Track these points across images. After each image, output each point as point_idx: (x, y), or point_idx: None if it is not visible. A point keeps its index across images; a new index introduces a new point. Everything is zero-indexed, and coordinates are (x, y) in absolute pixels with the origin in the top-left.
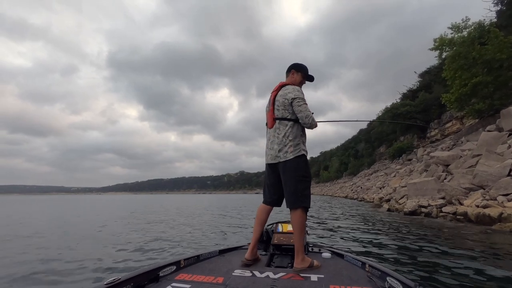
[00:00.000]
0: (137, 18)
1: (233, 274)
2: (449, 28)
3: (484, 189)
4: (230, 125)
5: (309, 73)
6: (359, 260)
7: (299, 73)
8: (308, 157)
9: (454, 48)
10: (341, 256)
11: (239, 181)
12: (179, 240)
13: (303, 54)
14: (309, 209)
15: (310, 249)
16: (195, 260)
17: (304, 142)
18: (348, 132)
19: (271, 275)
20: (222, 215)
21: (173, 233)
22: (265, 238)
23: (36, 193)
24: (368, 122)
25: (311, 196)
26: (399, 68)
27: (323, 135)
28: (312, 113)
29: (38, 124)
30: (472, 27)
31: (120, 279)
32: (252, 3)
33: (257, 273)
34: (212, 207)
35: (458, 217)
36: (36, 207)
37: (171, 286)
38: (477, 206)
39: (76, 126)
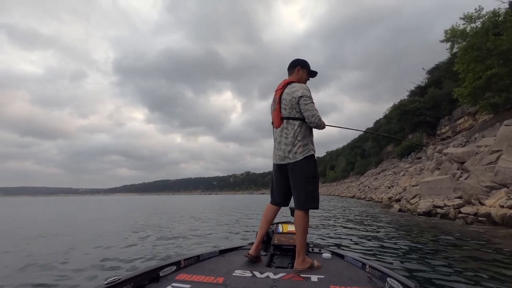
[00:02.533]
0: (140, 27)
1: (233, 274)
2: (461, 18)
3: (508, 187)
4: (233, 127)
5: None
6: (359, 261)
7: (305, 70)
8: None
9: (467, 39)
10: (342, 256)
11: (244, 182)
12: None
13: (303, 57)
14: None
15: (310, 249)
16: (195, 260)
17: (312, 142)
18: (352, 132)
19: (271, 275)
20: (231, 214)
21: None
22: (265, 239)
23: (45, 195)
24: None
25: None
26: (399, 69)
27: (328, 136)
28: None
29: (47, 128)
30: (486, 16)
31: (120, 278)
32: (251, 10)
33: (257, 274)
34: (226, 208)
35: (480, 218)
36: (45, 208)
37: (171, 286)
38: (502, 207)
39: (84, 129)
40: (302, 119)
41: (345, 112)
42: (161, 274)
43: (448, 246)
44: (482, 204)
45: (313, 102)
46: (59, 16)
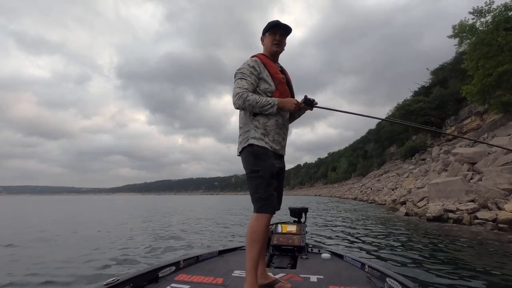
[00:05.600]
0: (143, 34)
1: (232, 274)
2: (470, 13)
3: None
4: (234, 129)
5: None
6: (358, 261)
7: (266, 34)
8: (316, 158)
9: (476, 34)
10: (341, 256)
11: (246, 183)
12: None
13: (299, 65)
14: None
15: (309, 249)
16: (194, 261)
17: (257, 128)
18: (351, 134)
19: (270, 275)
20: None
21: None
22: None
23: (47, 194)
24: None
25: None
26: (394, 73)
27: (327, 138)
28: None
29: (51, 128)
30: (497, 10)
31: (119, 279)
32: (248, 19)
33: None
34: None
35: (500, 225)
36: (46, 207)
37: (170, 286)
38: None
39: (87, 130)
40: None
41: (343, 115)
42: (160, 275)
43: (463, 252)
44: (500, 208)
45: (241, 78)
46: (65, 24)
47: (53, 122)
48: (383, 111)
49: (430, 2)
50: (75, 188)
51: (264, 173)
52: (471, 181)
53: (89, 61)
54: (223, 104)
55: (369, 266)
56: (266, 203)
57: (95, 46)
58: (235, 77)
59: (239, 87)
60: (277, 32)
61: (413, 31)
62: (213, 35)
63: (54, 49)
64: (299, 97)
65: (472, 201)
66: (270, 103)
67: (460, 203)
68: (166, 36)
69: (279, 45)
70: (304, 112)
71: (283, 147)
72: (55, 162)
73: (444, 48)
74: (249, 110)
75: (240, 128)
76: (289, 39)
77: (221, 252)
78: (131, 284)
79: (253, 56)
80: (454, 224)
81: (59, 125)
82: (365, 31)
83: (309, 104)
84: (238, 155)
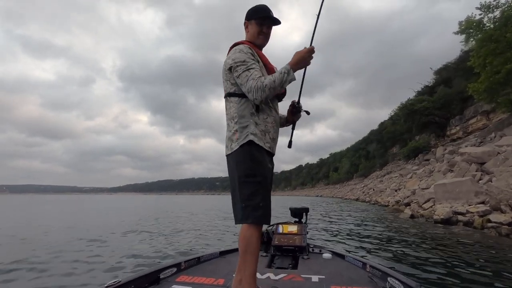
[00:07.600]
0: (144, 39)
1: (234, 275)
2: (477, 8)
3: None
4: None
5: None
6: (360, 261)
7: (252, 21)
8: (317, 159)
9: (483, 30)
10: (342, 256)
11: None
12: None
13: None
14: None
15: (311, 249)
16: (195, 262)
17: (257, 123)
18: (350, 136)
19: (272, 276)
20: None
21: None
22: (265, 239)
23: (50, 193)
24: None
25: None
26: (391, 77)
27: (327, 139)
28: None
29: (55, 129)
30: (506, 6)
31: (120, 281)
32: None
33: (258, 275)
34: None
35: None
36: (48, 207)
37: None
38: None
39: (91, 130)
40: (241, 95)
41: (343, 118)
42: (161, 276)
43: (471, 255)
44: None
45: (248, 69)
46: (69, 29)
47: (57, 123)
48: (382, 113)
49: (424, 8)
50: (77, 187)
51: (262, 179)
52: (480, 181)
53: (92, 64)
54: (223, 106)
55: (370, 266)
56: (266, 212)
57: (98, 50)
58: (237, 69)
59: (252, 79)
60: (265, 23)
61: (409, 36)
62: (213, 39)
63: (59, 53)
64: (289, 102)
65: (483, 202)
66: (285, 72)
67: (469, 205)
68: (167, 41)
69: (266, 38)
70: (298, 118)
71: (276, 145)
72: (58, 162)
73: (440, 51)
74: (272, 95)
75: (235, 122)
76: (288, 42)
77: (223, 253)
78: (133, 286)
79: (239, 43)
80: (465, 227)
81: (63, 125)
82: (361, 36)
83: (297, 111)
84: (229, 154)
